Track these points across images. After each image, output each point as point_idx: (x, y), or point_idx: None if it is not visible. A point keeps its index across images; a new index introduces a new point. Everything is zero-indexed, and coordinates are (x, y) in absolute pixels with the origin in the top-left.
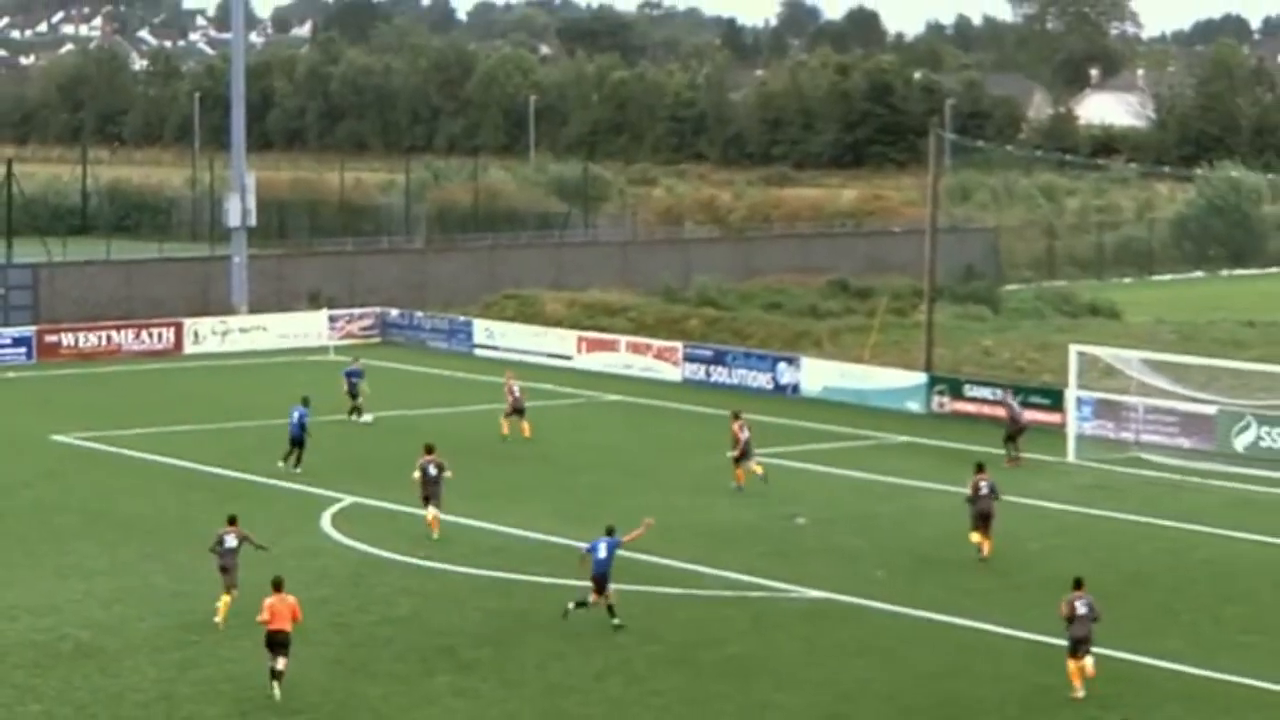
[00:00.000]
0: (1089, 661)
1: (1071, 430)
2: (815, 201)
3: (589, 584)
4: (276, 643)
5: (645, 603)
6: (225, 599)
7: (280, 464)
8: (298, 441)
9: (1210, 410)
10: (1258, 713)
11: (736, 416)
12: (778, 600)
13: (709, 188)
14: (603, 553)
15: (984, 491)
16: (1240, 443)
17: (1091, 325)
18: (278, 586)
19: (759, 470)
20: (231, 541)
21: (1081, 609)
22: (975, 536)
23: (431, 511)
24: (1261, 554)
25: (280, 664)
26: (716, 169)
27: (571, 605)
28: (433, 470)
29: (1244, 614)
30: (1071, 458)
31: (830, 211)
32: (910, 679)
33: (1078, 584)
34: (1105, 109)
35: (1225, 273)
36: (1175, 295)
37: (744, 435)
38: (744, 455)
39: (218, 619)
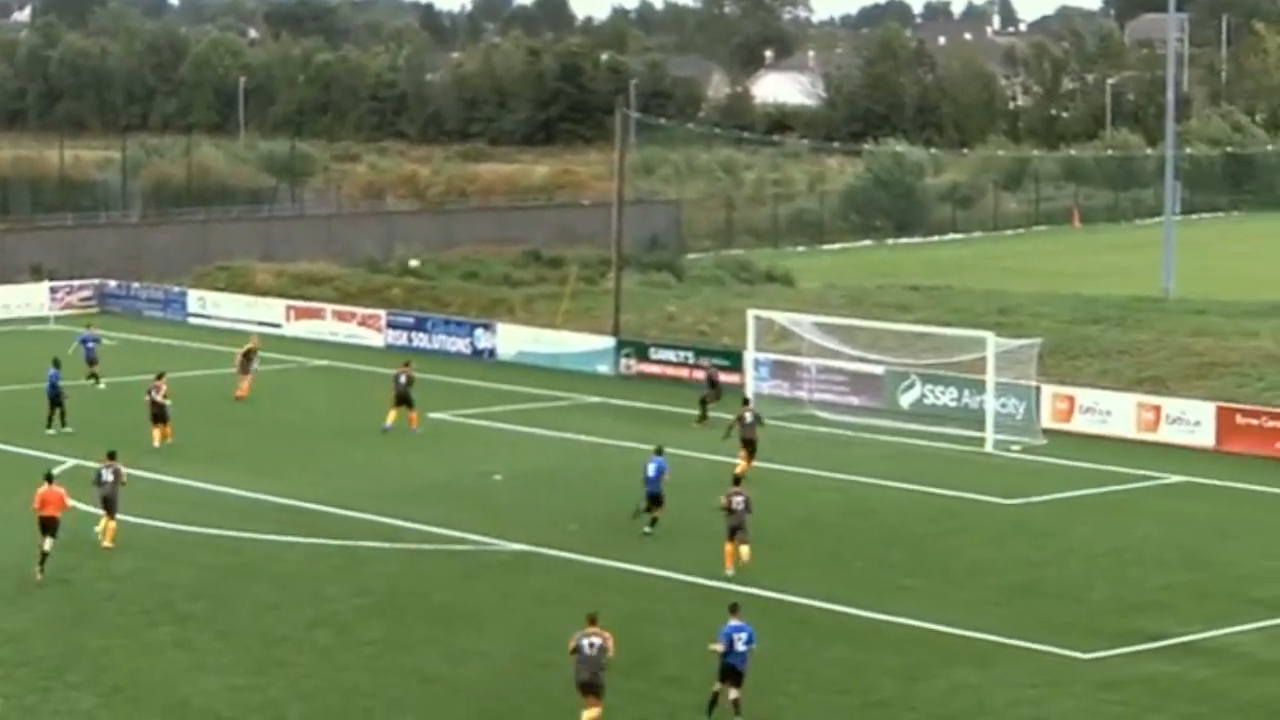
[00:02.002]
0: (745, 549)
1: (750, 389)
2: (509, 176)
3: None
4: (46, 527)
5: (352, 556)
6: (110, 525)
7: (49, 432)
8: (56, 401)
9: (878, 370)
10: (922, 650)
11: (406, 364)
12: (478, 553)
13: (409, 163)
14: (650, 471)
15: (749, 420)
16: (906, 400)
17: (768, 291)
18: (49, 478)
19: (396, 420)
20: (108, 475)
21: (738, 503)
22: (741, 463)
23: (158, 432)
24: (925, 503)
25: (48, 545)
26: (416, 146)
27: (647, 528)
28: (155, 395)
29: (907, 559)
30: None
31: (524, 186)
32: (604, 625)
33: (736, 480)
34: (779, 88)
35: (890, 241)
36: (845, 262)
37: (401, 383)
38: (403, 401)
39: (102, 538)
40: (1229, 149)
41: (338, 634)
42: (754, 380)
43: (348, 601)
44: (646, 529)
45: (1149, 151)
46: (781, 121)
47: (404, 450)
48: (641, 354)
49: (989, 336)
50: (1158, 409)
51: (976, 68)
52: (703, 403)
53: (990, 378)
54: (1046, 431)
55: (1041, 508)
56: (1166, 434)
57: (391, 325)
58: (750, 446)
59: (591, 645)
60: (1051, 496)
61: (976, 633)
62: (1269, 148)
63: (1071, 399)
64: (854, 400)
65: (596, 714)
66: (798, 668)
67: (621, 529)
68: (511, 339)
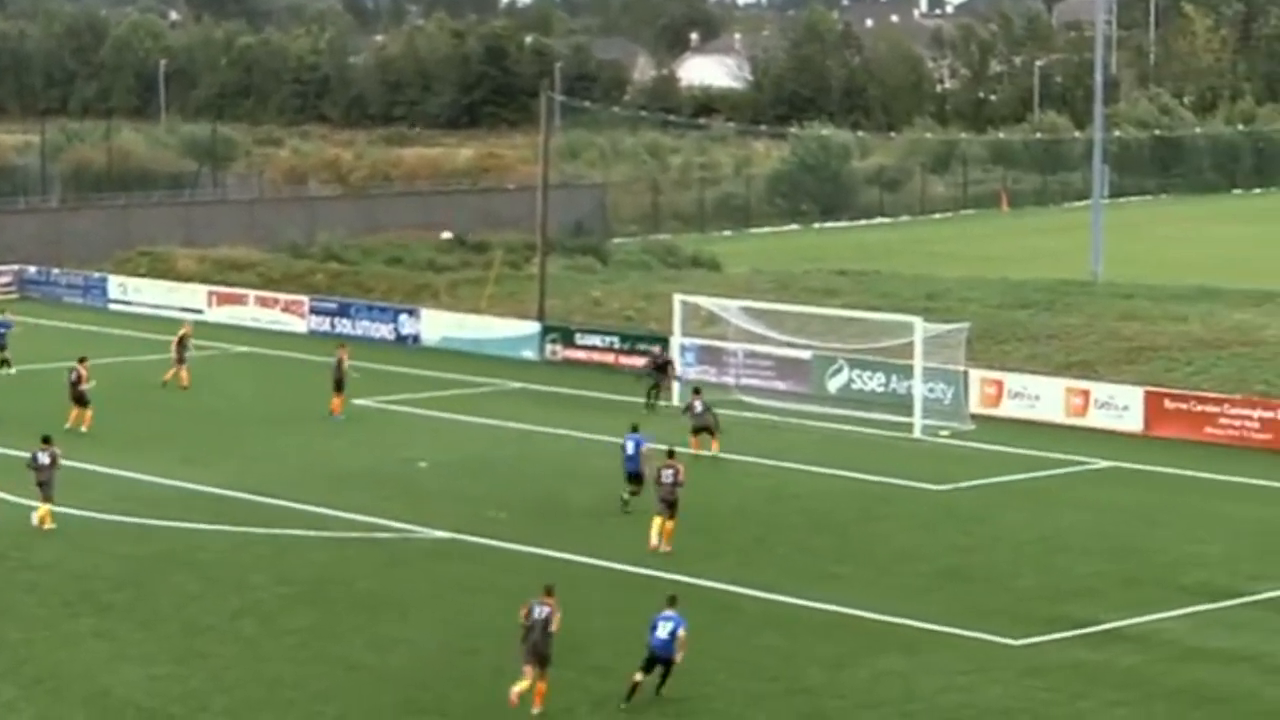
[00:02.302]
0: (669, 524)
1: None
2: (434, 160)
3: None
4: None
5: (276, 545)
6: (45, 508)
7: None
8: None
9: (805, 355)
10: (850, 637)
11: (341, 346)
12: (403, 540)
13: (332, 148)
14: (629, 449)
15: (699, 410)
16: (833, 385)
17: (694, 276)
18: None
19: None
20: (44, 458)
21: (667, 476)
22: (693, 442)
23: (77, 411)
24: (851, 488)
25: None
26: (339, 130)
27: (625, 495)
28: (73, 378)
29: (834, 545)
30: (677, 401)
31: (448, 170)
32: None
33: (670, 454)
34: (705, 71)
35: (817, 225)
36: (771, 247)
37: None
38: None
39: (35, 522)
40: (1157, 132)
41: (262, 623)
42: (680, 365)
43: (272, 590)
44: (625, 496)
45: (1077, 134)
46: (707, 105)
47: (328, 437)
48: (567, 339)
49: (917, 321)
50: (1086, 393)
51: (903, 50)
52: (654, 390)
53: (918, 363)
54: (975, 416)
55: (970, 493)
56: (1095, 419)
57: (315, 311)
58: (707, 431)
59: (541, 613)
60: (980, 482)
61: (905, 619)
62: (1197, 130)
63: (1000, 384)
64: (781, 385)
65: (540, 688)
66: (725, 655)
67: (548, 516)
68: (436, 324)
